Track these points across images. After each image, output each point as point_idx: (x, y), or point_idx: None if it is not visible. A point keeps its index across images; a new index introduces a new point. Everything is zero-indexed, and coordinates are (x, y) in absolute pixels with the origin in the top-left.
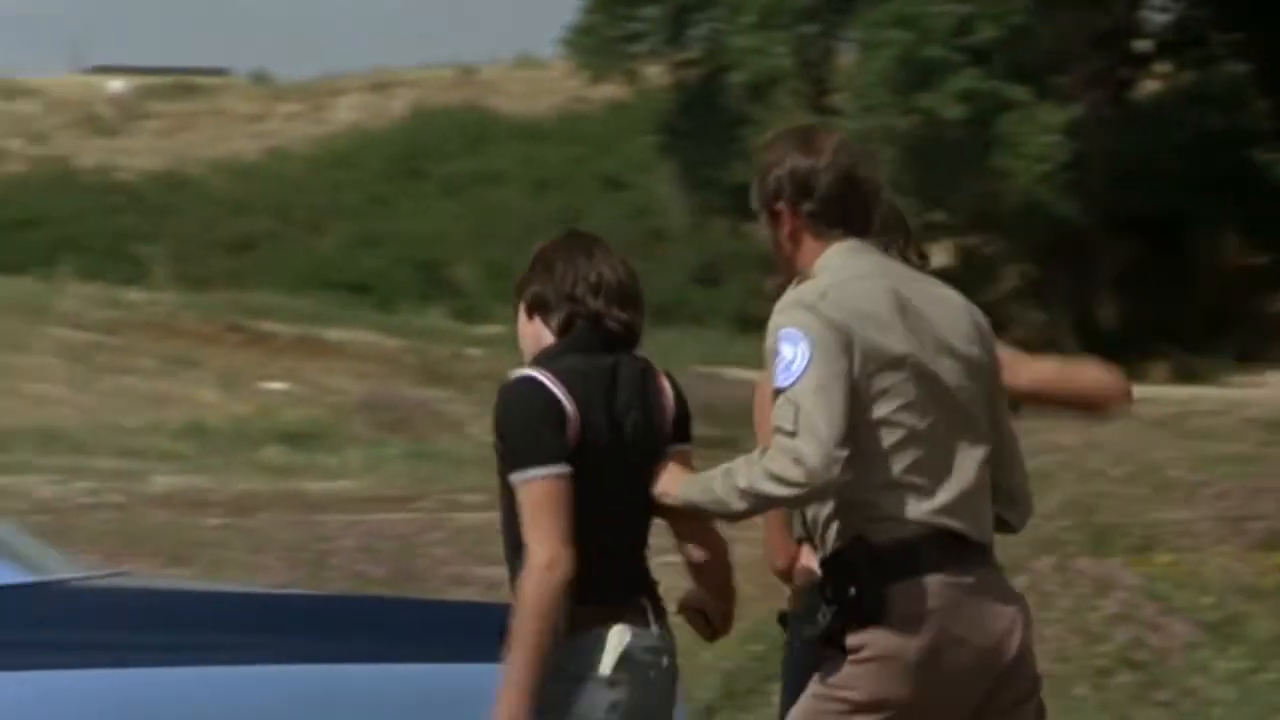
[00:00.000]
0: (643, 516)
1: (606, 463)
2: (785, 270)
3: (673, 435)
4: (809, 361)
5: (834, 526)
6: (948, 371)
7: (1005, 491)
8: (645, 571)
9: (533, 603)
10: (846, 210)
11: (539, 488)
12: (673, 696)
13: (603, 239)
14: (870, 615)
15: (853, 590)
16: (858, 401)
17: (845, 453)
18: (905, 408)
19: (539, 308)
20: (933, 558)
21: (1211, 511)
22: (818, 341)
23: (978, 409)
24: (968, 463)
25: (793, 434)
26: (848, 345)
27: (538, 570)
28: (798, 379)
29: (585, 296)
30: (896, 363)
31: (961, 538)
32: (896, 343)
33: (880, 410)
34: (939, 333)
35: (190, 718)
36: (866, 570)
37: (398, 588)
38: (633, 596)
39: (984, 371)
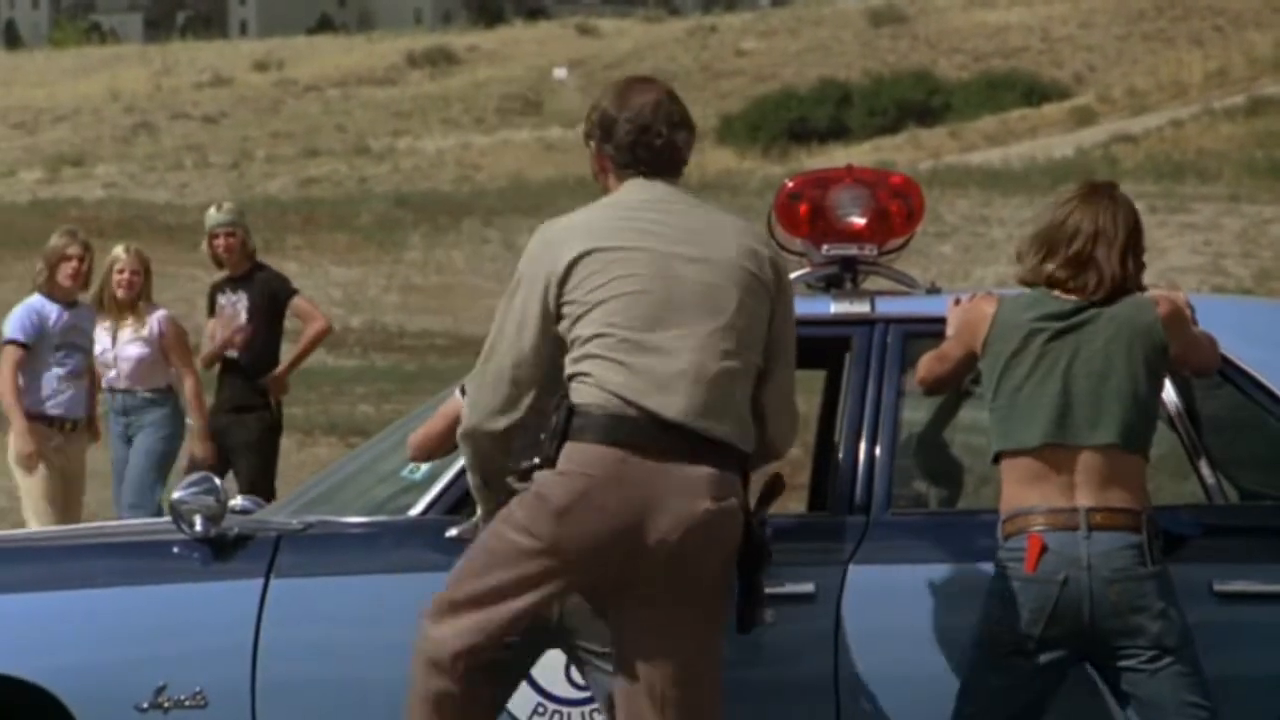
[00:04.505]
0: None
1: None
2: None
3: None
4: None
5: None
6: (673, 272)
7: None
8: None
9: None
10: (637, 155)
11: None
12: None
13: None
14: (544, 462)
15: (543, 436)
16: (567, 293)
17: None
18: (614, 296)
19: None
20: (608, 429)
21: None
22: (522, 273)
23: (713, 309)
24: (686, 353)
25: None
26: (549, 263)
27: None
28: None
29: None
30: (605, 260)
31: (656, 418)
32: (608, 242)
33: (590, 295)
34: (674, 241)
35: None
36: (561, 426)
37: None
38: None
39: (732, 281)
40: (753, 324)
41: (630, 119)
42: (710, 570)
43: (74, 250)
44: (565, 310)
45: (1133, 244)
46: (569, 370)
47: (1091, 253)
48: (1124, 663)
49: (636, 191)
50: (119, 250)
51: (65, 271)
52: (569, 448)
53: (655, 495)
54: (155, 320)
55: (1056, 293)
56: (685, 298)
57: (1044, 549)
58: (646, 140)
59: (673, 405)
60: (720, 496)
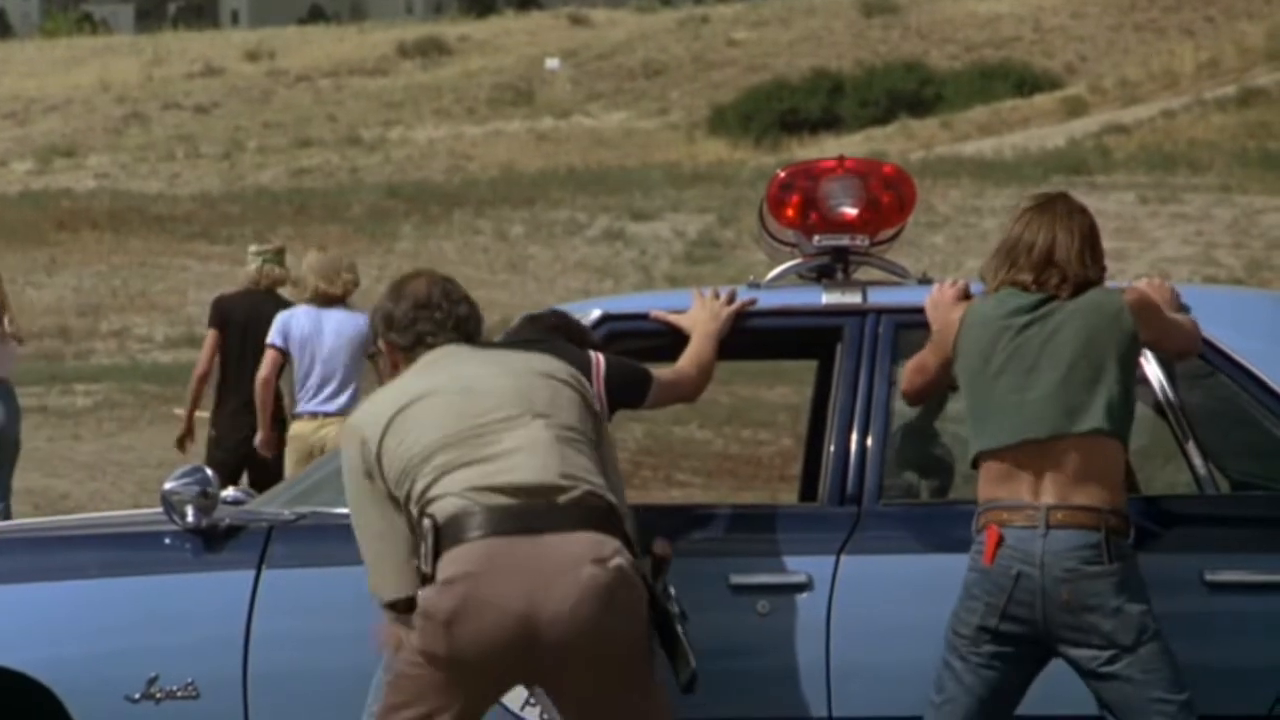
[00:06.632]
0: None
1: None
2: None
3: None
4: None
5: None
6: (477, 385)
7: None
8: None
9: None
10: (420, 330)
11: None
12: None
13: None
14: (424, 579)
15: (419, 559)
16: (386, 453)
17: None
18: (443, 417)
19: None
20: (476, 525)
21: None
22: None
23: (525, 401)
24: (518, 434)
25: None
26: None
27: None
28: None
29: None
30: (414, 410)
31: (518, 489)
32: (410, 396)
33: (410, 436)
34: (468, 362)
35: None
36: (432, 544)
37: None
38: None
39: (536, 377)
40: (572, 407)
41: (408, 301)
42: (619, 637)
43: None
44: (387, 464)
45: (1089, 246)
46: (421, 497)
47: (1051, 257)
48: (1085, 665)
49: (426, 355)
50: None
51: None
52: (445, 557)
53: (538, 572)
54: None
55: (1022, 289)
56: (495, 397)
57: (1000, 541)
58: (427, 314)
59: (527, 472)
60: (603, 559)
